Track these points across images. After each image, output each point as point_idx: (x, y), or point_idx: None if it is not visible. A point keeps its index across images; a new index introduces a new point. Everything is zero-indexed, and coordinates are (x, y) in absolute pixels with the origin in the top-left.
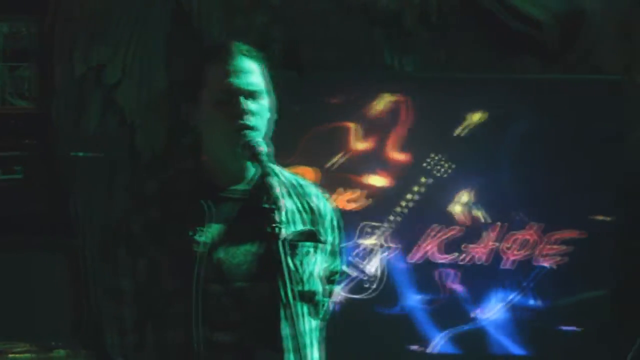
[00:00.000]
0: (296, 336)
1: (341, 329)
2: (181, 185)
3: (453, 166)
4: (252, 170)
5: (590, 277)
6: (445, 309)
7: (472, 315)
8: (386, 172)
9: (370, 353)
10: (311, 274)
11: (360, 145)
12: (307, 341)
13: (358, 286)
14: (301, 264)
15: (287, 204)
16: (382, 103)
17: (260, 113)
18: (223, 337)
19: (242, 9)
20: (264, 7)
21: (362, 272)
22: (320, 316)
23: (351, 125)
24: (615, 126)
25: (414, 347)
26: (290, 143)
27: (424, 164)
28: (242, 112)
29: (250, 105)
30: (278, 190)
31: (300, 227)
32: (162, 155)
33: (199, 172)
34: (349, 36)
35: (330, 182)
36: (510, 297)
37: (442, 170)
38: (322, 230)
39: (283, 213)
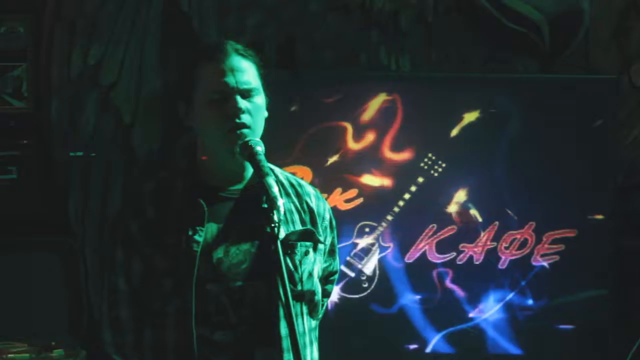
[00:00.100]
0: (295, 336)
1: (338, 329)
2: (178, 185)
3: (450, 166)
4: (250, 170)
5: (586, 277)
6: (441, 308)
7: (468, 314)
8: (383, 172)
9: (366, 353)
10: (310, 273)
11: (357, 145)
12: (306, 341)
13: (355, 286)
14: (300, 263)
15: (285, 204)
16: (378, 103)
17: (254, 111)
18: (222, 336)
19: (237, 8)
20: (258, 6)
21: (359, 271)
22: (320, 316)
23: (347, 125)
24: (611, 126)
25: (411, 347)
26: (286, 143)
27: (421, 164)
28: (236, 111)
29: (244, 103)
30: (276, 189)
31: (298, 227)
32: (158, 155)
33: (196, 172)
34: (345, 36)
35: (327, 182)
36: (507, 296)
37: (439, 170)
38: (320, 230)
39: (281, 213)
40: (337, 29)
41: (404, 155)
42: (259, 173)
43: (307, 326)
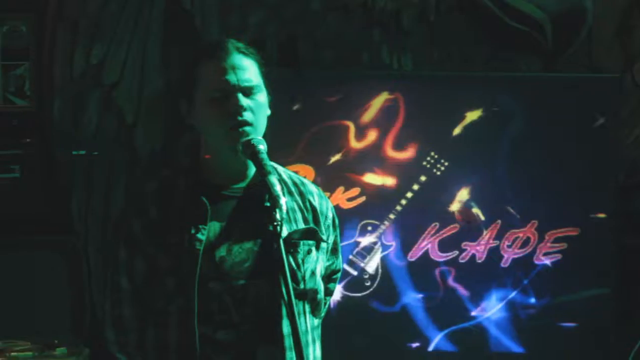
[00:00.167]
0: (297, 334)
1: (340, 327)
2: (181, 183)
3: (452, 165)
4: (253, 169)
5: (589, 275)
6: (444, 307)
7: (470, 313)
8: (385, 171)
9: (369, 351)
10: (312, 272)
11: (359, 143)
12: (308, 339)
13: (357, 284)
14: (302, 262)
15: (288, 202)
16: (380, 102)
17: (256, 109)
18: (224, 335)
19: (239, 6)
20: (260, 5)
21: (362, 270)
22: (322, 314)
23: (350, 124)
24: (613, 125)
25: (413, 345)
26: (289, 142)
27: (423, 163)
28: (238, 109)
29: (246, 101)
30: (279, 188)
31: (301, 225)
32: (161, 154)
33: (199, 170)
34: (347, 35)
35: (330, 181)
36: (509, 295)
37: (441, 168)
38: (322, 229)
39: (284, 211)
40: (339, 27)
41: (407, 154)
42: (262, 171)
43: (310, 325)
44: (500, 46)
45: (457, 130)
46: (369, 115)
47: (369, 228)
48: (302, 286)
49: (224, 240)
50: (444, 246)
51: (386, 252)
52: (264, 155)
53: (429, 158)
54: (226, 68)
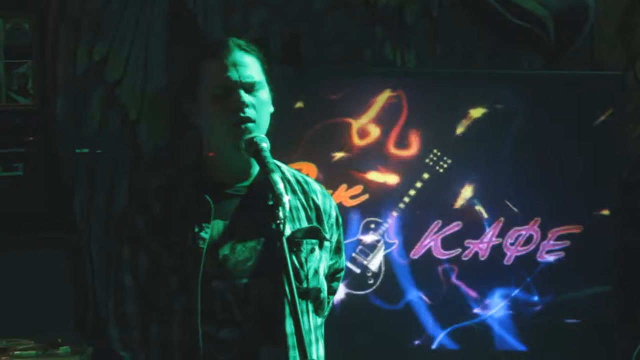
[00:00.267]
0: (300, 333)
1: (343, 325)
2: (185, 181)
3: (455, 162)
4: (256, 167)
5: (592, 273)
6: (447, 304)
7: (474, 311)
8: (388, 168)
9: (372, 349)
10: (315, 271)
11: (362, 141)
12: (312, 338)
13: (360, 282)
14: (305, 261)
15: (292, 201)
16: (383, 99)
17: (259, 106)
18: (227, 334)
19: (242, 5)
20: (263, 3)
21: (365, 268)
22: (325, 313)
23: (352, 121)
24: (616, 122)
25: (417, 343)
26: (292, 139)
27: (426, 160)
28: (240, 105)
29: (248, 98)
30: (281, 186)
31: (304, 224)
32: (164, 151)
33: (203, 168)
34: (350, 32)
35: (333, 178)
36: (512, 292)
37: (444, 166)
38: (326, 228)
39: (287, 209)
40: (342, 25)
41: (409, 152)
42: (265, 169)
43: (313, 323)
44: (503, 43)
45: (460, 128)
46: (371, 112)
47: (372, 226)
48: (305, 285)
49: (227, 238)
50: (447, 244)
51: (389, 250)
52: (267, 153)
53: (431, 155)
54: (228, 65)
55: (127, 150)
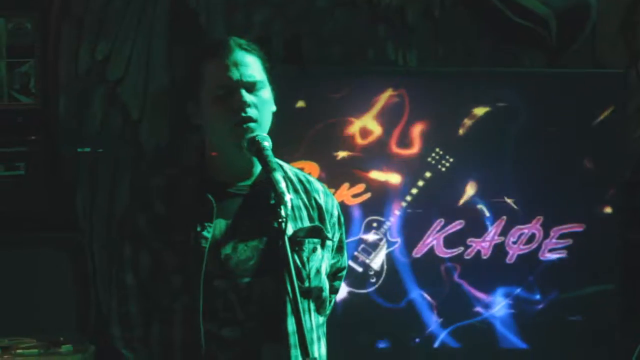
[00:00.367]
0: (302, 332)
1: (345, 324)
2: (187, 181)
3: (457, 161)
4: (258, 167)
5: (594, 271)
6: (449, 303)
7: (476, 309)
8: (390, 167)
9: (374, 347)
10: (317, 270)
11: (364, 140)
12: (313, 337)
13: (363, 281)
14: (307, 260)
15: (294, 200)
16: (385, 98)
17: (260, 105)
18: (229, 332)
19: (244, 4)
20: (265, 2)
21: (367, 266)
22: (327, 312)
23: (355, 120)
24: (618, 120)
25: (419, 341)
26: (294, 138)
27: (428, 159)
28: (242, 105)
29: (249, 97)
30: (283, 185)
31: (306, 223)
32: (166, 150)
33: (205, 168)
34: (352, 31)
35: (335, 177)
36: (514, 291)
37: (446, 164)
38: (328, 227)
39: (289, 208)
40: (344, 24)
41: (411, 150)
42: (266, 168)
43: (315, 322)
44: (505, 42)
45: (462, 127)
46: (374, 111)
47: (374, 224)
48: (307, 284)
49: (229, 238)
50: (449, 242)
51: (391, 249)
52: (269, 152)
53: (434, 154)
54: (229, 65)
55: (128, 149)
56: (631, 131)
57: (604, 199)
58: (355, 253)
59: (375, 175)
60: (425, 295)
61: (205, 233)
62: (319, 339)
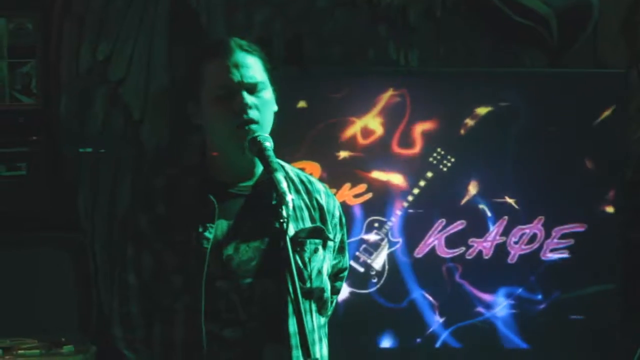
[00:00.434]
0: (304, 332)
1: (347, 324)
2: (188, 181)
3: (459, 161)
4: (260, 167)
5: (595, 271)
6: (451, 303)
7: (477, 309)
8: (392, 167)
9: (376, 347)
10: (319, 270)
11: (366, 140)
12: (315, 338)
13: (364, 281)
14: (309, 260)
15: (295, 200)
16: (386, 98)
17: (261, 106)
18: (231, 333)
19: (245, 4)
20: (266, 2)
21: (369, 266)
22: (329, 313)
23: (356, 120)
24: (619, 120)
25: (420, 341)
26: (295, 139)
27: (430, 159)
28: (243, 107)
29: (251, 99)
30: (285, 185)
31: (308, 224)
32: (167, 151)
33: (206, 168)
34: (353, 31)
35: (336, 177)
36: (516, 291)
37: (448, 164)
38: (329, 228)
39: (290, 208)
40: (345, 24)
41: (413, 150)
42: (268, 169)
43: (316, 323)
44: (506, 42)
45: (463, 126)
46: (375, 111)
47: (376, 224)
48: (308, 285)
49: (231, 238)
50: (450, 243)
51: (393, 249)
52: (271, 152)
53: (435, 154)
54: (229, 66)
55: (130, 150)
56: (632, 131)
57: (605, 199)
58: (357, 253)
59: (377, 175)
60: (427, 296)
61: (207, 234)
62: (320, 339)
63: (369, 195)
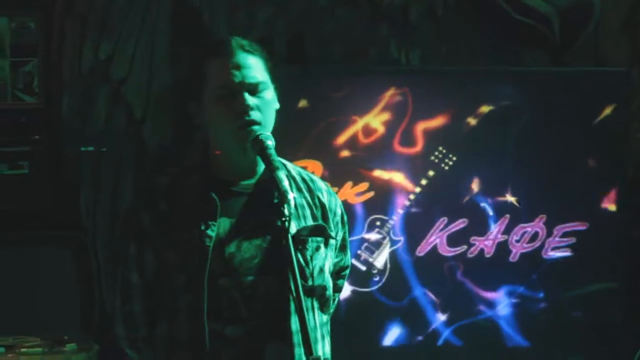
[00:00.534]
0: (306, 330)
1: (349, 322)
2: (191, 179)
3: (460, 159)
4: (262, 165)
5: (597, 270)
6: (452, 301)
7: (479, 308)
8: (393, 166)
9: (377, 346)
10: (321, 268)
11: (367, 139)
12: (317, 335)
13: (366, 279)
14: (311, 258)
15: (297, 198)
16: (388, 96)
17: (263, 107)
18: (233, 331)
19: (247, 3)
20: (268, 1)
21: (370, 265)
22: (331, 311)
23: (358, 119)
24: (621, 118)
25: (422, 340)
26: (297, 137)
27: (431, 157)
28: (245, 108)
29: (252, 100)
30: (286, 183)
31: (309, 222)
32: (170, 149)
33: (208, 167)
34: (355, 30)
35: (338, 176)
36: (518, 289)
37: (450, 163)
38: (331, 226)
39: (292, 206)
40: (347, 23)
41: (415, 149)
42: (270, 167)
43: (319, 321)
44: (508, 40)
45: (465, 125)
46: (377, 110)
47: (378, 223)
48: (310, 283)
49: (233, 236)
50: (452, 241)
51: (394, 247)
52: (272, 151)
53: (437, 153)
54: (231, 67)
55: (132, 148)
56: (634, 129)
57: (607, 197)
58: (359, 251)
59: (379, 174)
60: (429, 294)
61: (209, 232)
62: (322, 337)
63: (371, 194)
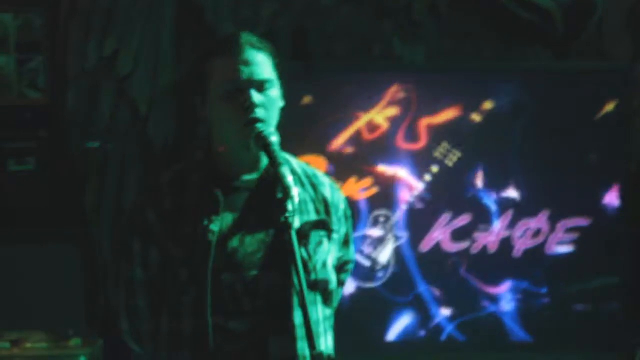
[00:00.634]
0: (309, 324)
1: (352, 317)
2: (195, 175)
3: (464, 155)
4: (265, 161)
5: (600, 265)
6: (455, 297)
7: (482, 303)
8: (397, 162)
9: (381, 341)
10: (324, 263)
11: (371, 134)
12: (320, 329)
13: (369, 275)
14: (314, 252)
15: (300, 193)
16: (392, 93)
17: (268, 104)
18: (236, 325)
19: None
20: None
21: (374, 260)
22: (334, 305)
23: (362, 115)
24: (624, 114)
25: (425, 335)
26: (301, 133)
27: (435, 153)
28: (250, 105)
29: (258, 97)
30: (290, 179)
31: (312, 216)
32: (174, 145)
33: (212, 162)
34: (359, 27)
35: (342, 171)
36: (521, 284)
37: (453, 159)
38: (334, 220)
39: (295, 202)
40: (351, 19)
41: (418, 145)
42: (273, 163)
43: (322, 315)
44: (511, 37)
45: (468, 121)
46: (380, 106)
47: (381, 218)
48: (313, 277)
49: (236, 231)
50: (455, 237)
51: (398, 243)
52: (276, 147)
53: (440, 148)
54: (238, 63)
55: (137, 144)
56: (637, 124)
57: (609, 192)
58: (362, 247)
59: (382, 169)
60: (432, 289)
61: (212, 226)
62: (325, 331)
63: (375, 189)
